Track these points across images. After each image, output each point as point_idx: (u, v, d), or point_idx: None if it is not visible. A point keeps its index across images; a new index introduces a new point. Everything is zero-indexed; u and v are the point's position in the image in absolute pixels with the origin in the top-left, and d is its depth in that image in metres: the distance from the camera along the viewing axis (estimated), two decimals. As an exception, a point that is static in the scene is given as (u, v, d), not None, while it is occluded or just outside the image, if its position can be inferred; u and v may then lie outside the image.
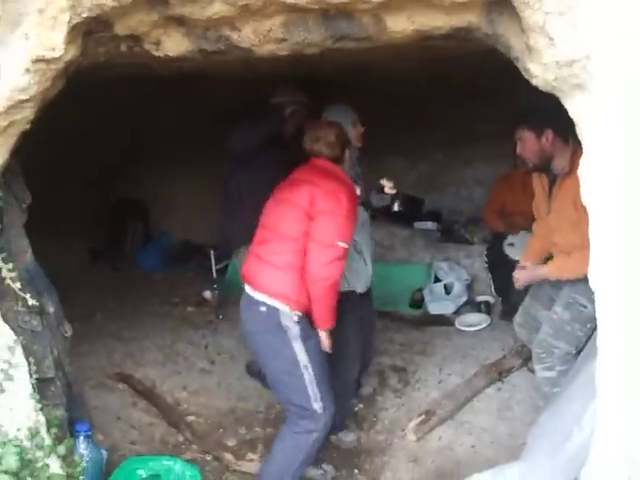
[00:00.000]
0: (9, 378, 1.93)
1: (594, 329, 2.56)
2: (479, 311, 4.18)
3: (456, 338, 4.00)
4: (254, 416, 3.49)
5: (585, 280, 2.53)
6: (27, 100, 1.82)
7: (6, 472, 1.76)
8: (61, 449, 1.94)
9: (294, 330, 2.41)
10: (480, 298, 4.28)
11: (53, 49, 1.71)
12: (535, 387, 3.37)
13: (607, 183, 1.57)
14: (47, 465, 1.87)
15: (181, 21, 1.71)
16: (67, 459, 2.00)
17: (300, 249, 2.38)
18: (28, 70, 1.76)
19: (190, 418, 3.42)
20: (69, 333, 2.52)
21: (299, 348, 2.42)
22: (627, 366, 1.50)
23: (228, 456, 3.08)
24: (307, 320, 2.48)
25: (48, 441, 1.92)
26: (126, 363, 3.88)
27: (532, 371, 3.45)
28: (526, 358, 3.56)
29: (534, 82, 1.65)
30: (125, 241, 5.49)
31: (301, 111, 3.35)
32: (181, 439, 3.27)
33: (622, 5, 1.44)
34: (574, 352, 2.68)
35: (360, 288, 2.97)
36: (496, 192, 4.28)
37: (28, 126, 1.93)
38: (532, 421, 3.09)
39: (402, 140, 4.74)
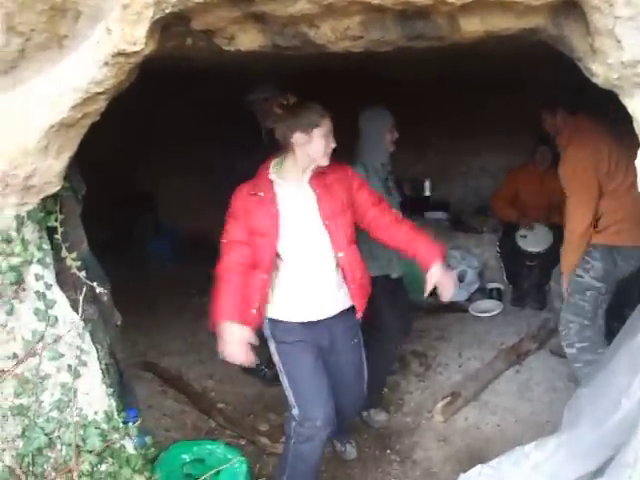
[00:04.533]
0: (83, 364, 1.98)
1: (598, 298, 2.95)
2: (491, 298, 4.34)
3: (471, 324, 4.16)
4: (282, 401, 3.57)
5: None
6: (102, 92, 1.86)
7: (91, 452, 1.83)
8: (133, 431, 2.01)
9: (266, 330, 2.42)
10: (491, 285, 4.43)
11: (134, 43, 1.75)
12: (552, 368, 3.57)
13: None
14: (124, 446, 1.94)
15: (260, 18, 1.77)
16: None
17: None
18: (107, 63, 1.80)
19: (220, 405, 3.50)
20: (119, 322, 2.57)
21: (272, 349, 2.42)
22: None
23: (263, 440, 3.16)
24: (291, 327, 2.40)
25: (121, 424, 1.99)
26: (150, 353, 3.95)
27: (553, 353, 3.65)
28: (541, 342, 3.74)
29: (594, 80, 1.76)
30: (135, 233, 5.50)
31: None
32: (213, 425, 3.35)
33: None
34: (587, 324, 2.93)
35: (395, 273, 3.04)
36: (509, 182, 4.40)
37: (98, 118, 1.97)
38: (551, 400, 3.30)
39: (409, 132, 4.81)
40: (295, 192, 2.34)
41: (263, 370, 3.53)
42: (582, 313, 2.97)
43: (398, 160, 5.19)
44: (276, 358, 2.42)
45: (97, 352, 2.09)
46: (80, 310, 2.18)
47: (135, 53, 1.78)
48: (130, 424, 2.08)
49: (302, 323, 2.41)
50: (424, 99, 4.58)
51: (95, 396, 1.97)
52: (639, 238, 2.81)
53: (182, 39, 2.00)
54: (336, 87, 4.10)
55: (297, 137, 2.28)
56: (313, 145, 2.28)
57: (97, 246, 5.54)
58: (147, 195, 5.69)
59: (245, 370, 3.55)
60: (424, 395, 3.50)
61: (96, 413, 1.93)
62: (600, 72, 1.72)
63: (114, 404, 2.02)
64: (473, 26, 1.71)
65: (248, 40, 1.88)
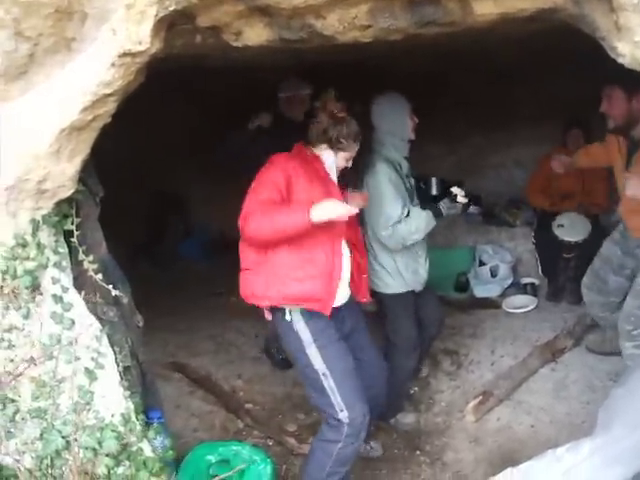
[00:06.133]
0: (100, 366, 1.99)
1: None
2: (525, 293, 4.19)
3: (505, 320, 4.02)
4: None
5: None
6: (111, 94, 1.85)
7: (107, 455, 1.82)
8: (151, 434, 2.00)
9: (305, 335, 2.33)
10: (525, 280, 4.28)
11: (140, 43, 1.73)
12: (589, 366, 3.41)
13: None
14: (141, 449, 1.93)
15: (265, 11, 1.73)
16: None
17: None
18: (113, 64, 1.79)
19: (248, 405, 3.48)
20: (141, 323, 2.57)
21: (314, 354, 2.32)
22: None
23: (291, 440, 3.13)
24: (325, 325, 2.34)
25: (139, 426, 1.98)
26: (180, 353, 3.96)
27: (590, 350, 3.49)
28: (578, 338, 3.59)
29: (620, 60, 1.65)
30: (166, 235, 5.55)
31: (301, 100, 3.42)
32: (241, 425, 3.33)
33: None
34: None
35: (418, 287, 2.98)
36: (540, 170, 4.25)
37: (109, 120, 1.96)
38: (588, 400, 3.15)
39: (440, 125, 4.71)
40: None
41: (276, 356, 3.77)
42: None
43: (429, 154, 5.08)
44: (318, 364, 2.32)
45: (115, 354, 2.09)
46: (98, 312, 2.20)
47: (141, 52, 1.77)
48: (153, 425, 2.08)
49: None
50: (450, 91, 4.47)
51: (112, 399, 1.96)
52: None
53: (190, 37, 1.97)
54: (351, 81, 4.03)
55: None
56: None
57: (129, 247, 5.60)
58: (178, 196, 5.73)
59: (266, 351, 3.84)
60: (455, 394, 3.40)
61: (113, 416, 1.92)
62: (626, 51, 1.61)
63: (132, 406, 2.02)
64: (486, 8, 1.62)
65: (255, 35, 1.84)
